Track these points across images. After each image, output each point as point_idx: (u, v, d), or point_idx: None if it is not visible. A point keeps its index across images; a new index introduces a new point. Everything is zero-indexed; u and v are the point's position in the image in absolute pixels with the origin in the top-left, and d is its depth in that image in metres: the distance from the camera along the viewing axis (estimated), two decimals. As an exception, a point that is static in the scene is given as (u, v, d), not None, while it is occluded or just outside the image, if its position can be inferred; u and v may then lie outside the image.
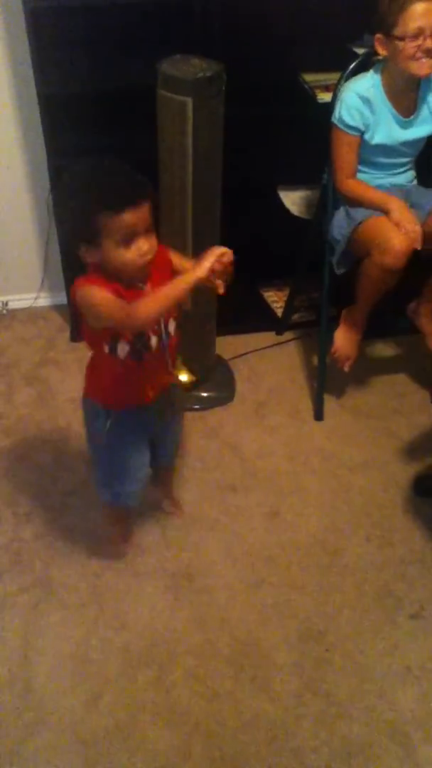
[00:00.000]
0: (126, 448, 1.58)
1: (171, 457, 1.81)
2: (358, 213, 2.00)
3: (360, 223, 1.97)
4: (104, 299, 1.28)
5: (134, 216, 1.23)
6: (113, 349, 1.39)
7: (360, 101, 1.93)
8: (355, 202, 2.02)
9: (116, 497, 1.69)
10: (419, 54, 1.81)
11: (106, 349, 1.39)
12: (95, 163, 1.27)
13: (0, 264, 2.62)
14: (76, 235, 1.28)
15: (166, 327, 1.42)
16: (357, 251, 2.02)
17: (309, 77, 2.20)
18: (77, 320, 2.57)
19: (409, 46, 1.81)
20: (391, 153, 2.04)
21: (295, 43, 2.15)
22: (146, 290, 1.35)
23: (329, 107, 2.00)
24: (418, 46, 1.80)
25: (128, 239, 1.25)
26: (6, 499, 2.00)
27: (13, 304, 2.72)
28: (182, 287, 1.29)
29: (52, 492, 2.03)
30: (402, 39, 1.80)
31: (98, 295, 1.28)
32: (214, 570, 1.84)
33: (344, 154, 2.00)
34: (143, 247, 1.27)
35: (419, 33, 1.78)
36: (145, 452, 1.63)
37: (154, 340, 1.41)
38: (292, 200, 2.41)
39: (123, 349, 1.38)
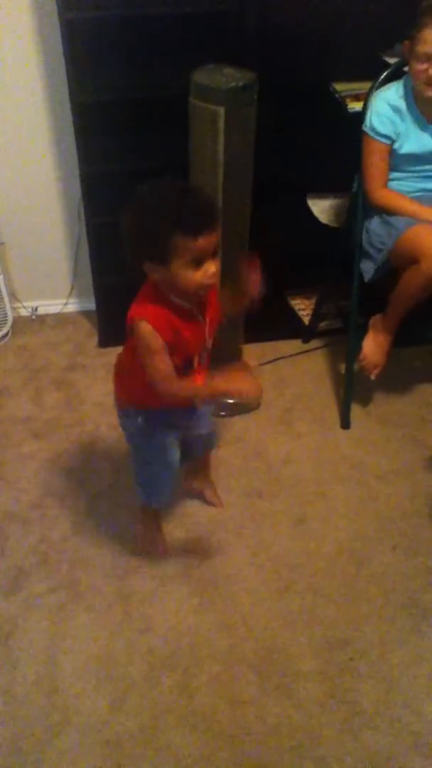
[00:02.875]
0: (160, 446, 1.62)
1: (210, 440, 1.84)
2: (398, 222, 1.99)
3: (402, 232, 1.97)
4: (158, 357, 1.36)
5: (207, 240, 1.26)
6: None
7: (390, 109, 1.94)
8: (389, 213, 2.02)
9: (150, 498, 1.78)
10: (424, 77, 1.84)
11: None
12: (173, 184, 1.30)
13: (30, 270, 2.66)
14: (144, 251, 1.29)
15: (205, 346, 1.48)
16: (396, 260, 2.01)
17: (340, 86, 2.20)
18: (105, 327, 2.61)
19: (416, 67, 1.84)
20: (420, 161, 2.04)
21: (327, 53, 2.16)
22: (203, 323, 1.42)
23: (360, 116, 2.01)
24: (424, 70, 1.82)
25: (198, 261, 1.27)
26: (34, 501, 2.03)
27: (43, 310, 2.76)
28: (204, 394, 1.46)
29: (79, 494, 2.05)
30: (415, 56, 1.83)
31: (155, 346, 1.35)
32: (240, 575, 1.84)
33: (375, 162, 2.00)
34: (210, 269, 1.30)
35: (426, 58, 1.81)
36: (176, 449, 1.67)
37: (196, 360, 1.47)
38: (321, 208, 2.42)
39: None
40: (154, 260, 1.29)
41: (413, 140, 1.98)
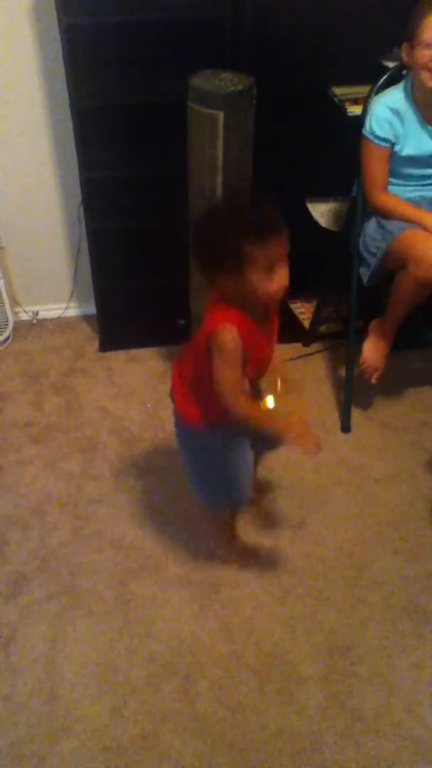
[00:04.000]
0: (242, 452, 1.59)
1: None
2: (393, 225, 1.99)
3: (396, 235, 1.97)
4: (234, 365, 1.34)
5: (277, 245, 1.26)
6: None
7: (390, 113, 1.94)
8: (388, 217, 2.02)
9: (238, 501, 1.73)
10: (431, 64, 1.81)
11: None
12: (239, 195, 1.34)
13: (31, 274, 2.66)
14: (219, 263, 1.29)
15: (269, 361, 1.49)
16: (391, 264, 2.01)
17: (339, 90, 2.21)
18: (105, 331, 2.61)
19: (422, 54, 1.82)
20: (421, 164, 2.04)
21: (326, 57, 2.16)
22: (266, 337, 1.44)
23: (358, 120, 2.01)
24: (431, 57, 1.80)
25: (271, 267, 1.28)
26: (33, 507, 2.02)
27: (43, 314, 2.76)
28: (269, 426, 1.44)
29: (78, 500, 2.04)
30: (418, 46, 1.81)
31: (234, 351, 1.33)
32: (240, 580, 1.83)
33: (375, 166, 2.00)
34: (283, 275, 1.30)
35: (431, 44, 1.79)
36: (250, 451, 1.63)
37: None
38: (321, 212, 2.42)
39: (246, 385, 1.45)
40: (228, 271, 1.28)
41: (413, 142, 1.98)
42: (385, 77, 1.99)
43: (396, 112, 1.94)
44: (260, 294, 1.30)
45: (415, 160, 2.01)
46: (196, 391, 1.49)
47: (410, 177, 2.06)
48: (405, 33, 1.85)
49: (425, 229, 1.93)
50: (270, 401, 1.51)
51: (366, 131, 1.98)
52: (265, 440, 1.61)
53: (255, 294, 1.30)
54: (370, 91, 1.99)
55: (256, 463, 1.80)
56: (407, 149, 1.98)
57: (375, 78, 2.00)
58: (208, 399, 1.44)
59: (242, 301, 1.33)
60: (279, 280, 1.29)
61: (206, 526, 1.90)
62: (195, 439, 1.58)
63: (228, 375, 1.35)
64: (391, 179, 2.05)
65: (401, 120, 1.95)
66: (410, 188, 2.07)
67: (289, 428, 1.42)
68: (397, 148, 1.99)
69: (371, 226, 2.08)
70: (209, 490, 1.67)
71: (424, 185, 2.08)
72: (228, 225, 1.26)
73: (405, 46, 1.87)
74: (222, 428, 1.50)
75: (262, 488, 2.05)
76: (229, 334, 1.32)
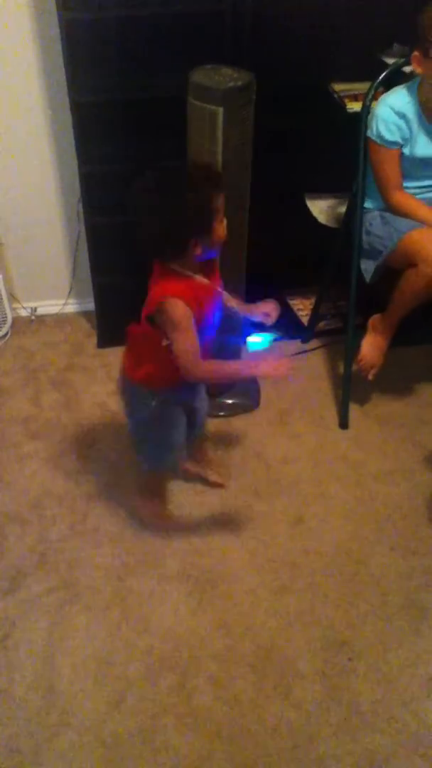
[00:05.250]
0: (171, 421, 1.67)
1: (203, 423, 1.89)
2: (399, 223, 2.00)
3: (403, 234, 1.97)
4: (190, 334, 1.41)
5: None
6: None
7: (396, 115, 1.93)
8: (404, 216, 2.02)
9: (161, 464, 1.83)
10: None
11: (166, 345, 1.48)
12: (177, 165, 1.44)
13: (29, 270, 2.66)
14: (193, 227, 1.36)
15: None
16: (397, 261, 2.01)
17: (338, 86, 2.20)
18: (104, 327, 2.61)
19: None
20: (427, 168, 2.03)
21: (325, 53, 2.16)
22: (212, 286, 1.49)
23: (358, 117, 2.01)
24: None
25: (222, 214, 1.40)
26: (32, 502, 2.03)
27: (42, 310, 2.76)
28: (244, 374, 1.54)
29: (77, 495, 2.05)
30: None
31: (186, 323, 1.39)
32: (238, 576, 1.84)
33: (387, 168, 2.00)
34: (225, 220, 1.42)
35: None
36: (184, 423, 1.72)
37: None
38: (320, 209, 2.42)
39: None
40: (199, 233, 1.36)
41: (419, 148, 1.97)
42: (384, 74, 1.99)
43: (402, 115, 1.92)
44: (218, 241, 1.40)
45: (421, 163, 2.00)
46: (141, 356, 1.58)
47: (417, 180, 2.05)
48: (417, 42, 1.81)
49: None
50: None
51: (373, 134, 1.96)
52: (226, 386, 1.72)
53: (215, 243, 1.40)
54: (370, 89, 1.99)
55: (198, 448, 1.97)
56: (414, 153, 1.98)
57: (375, 75, 1.99)
58: (152, 365, 1.53)
59: (190, 265, 1.41)
60: (224, 223, 1.41)
61: (141, 490, 1.98)
62: (132, 393, 1.67)
63: (187, 348, 1.43)
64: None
65: (407, 122, 1.93)
66: (416, 191, 2.06)
67: (256, 364, 1.48)
68: (405, 149, 1.98)
69: (375, 223, 2.08)
70: (146, 447, 1.77)
71: (429, 189, 2.08)
72: (199, 188, 1.34)
73: (417, 55, 1.83)
74: (160, 394, 1.60)
75: (209, 466, 2.08)
76: (179, 309, 1.38)
